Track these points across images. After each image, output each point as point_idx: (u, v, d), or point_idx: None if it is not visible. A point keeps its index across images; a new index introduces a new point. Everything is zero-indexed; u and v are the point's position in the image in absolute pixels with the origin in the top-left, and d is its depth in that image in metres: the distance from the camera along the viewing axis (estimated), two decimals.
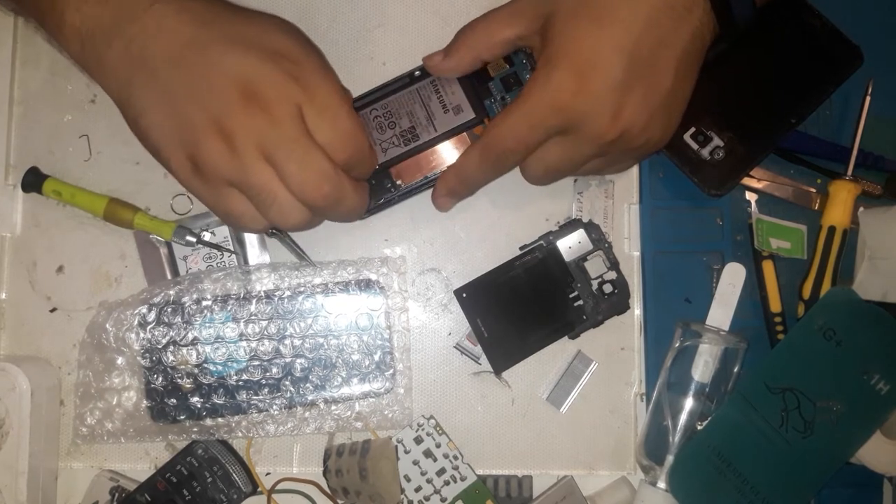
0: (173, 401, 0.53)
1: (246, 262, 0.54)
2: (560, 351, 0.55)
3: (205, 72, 0.42)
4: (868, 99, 0.55)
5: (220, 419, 0.53)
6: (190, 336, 0.53)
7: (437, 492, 0.53)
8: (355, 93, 0.53)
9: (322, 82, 0.44)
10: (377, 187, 0.52)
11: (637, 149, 0.47)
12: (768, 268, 0.56)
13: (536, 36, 0.47)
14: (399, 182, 0.53)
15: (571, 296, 0.54)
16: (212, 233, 0.54)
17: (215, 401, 0.53)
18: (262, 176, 0.43)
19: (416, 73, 0.53)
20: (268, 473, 0.55)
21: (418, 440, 0.53)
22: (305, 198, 0.44)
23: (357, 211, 0.48)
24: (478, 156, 0.48)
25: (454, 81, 0.52)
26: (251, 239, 0.55)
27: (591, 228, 0.54)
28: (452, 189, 0.51)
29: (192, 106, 0.43)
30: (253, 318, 0.53)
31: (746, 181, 0.56)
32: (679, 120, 0.48)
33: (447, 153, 0.52)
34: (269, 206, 0.44)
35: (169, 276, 0.54)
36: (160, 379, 0.53)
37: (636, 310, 0.56)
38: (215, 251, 0.54)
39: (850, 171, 0.55)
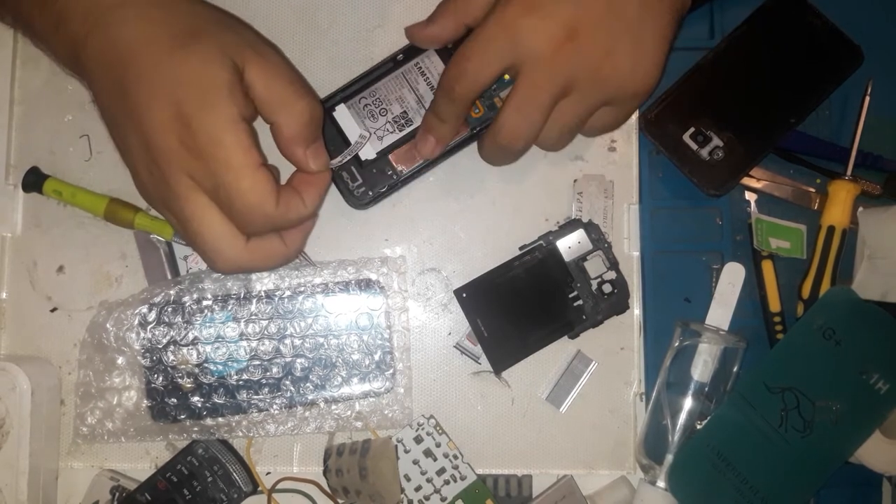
0: (174, 400, 0.53)
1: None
2: (560, 351, 0.55)
3: (124, 117, 0.43)
4: (867, 99, 0.55)
5: (220, 419, 0.53)
6: (190, 336, 0.53)
7: (436, 491, 0.53)
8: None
9: (217, 149, 0.42)
10: (378, 176, 0.53)
11: (607, 81, 0.46)
12: (768, 267, 0.56)
13: None
14: (400, 168, 0.53)
15: (571, 296, 0.54)
16: None
17: (216, 400, 0.53)
18: (175, 228, 0.47)
19: (399, 56, 0.53)
20: (268, 473, 0.55)
21: (418, 440, 0.53)
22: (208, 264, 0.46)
23: (289, 259, 0.48)
24: (440, 92, 0.48)
25: (438, 62, 0.53)
26: None
27: (590, 228, 0.55)
28: (427, 134, 0.51)
29: (126, 149, 0.45)
30: (253, 317, 0.53)
31: (746, 181, 0.56)
32: (657, 58, 0.47)
33: None
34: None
35: (169, 276, 0.54)
36: (161, 378, 0.53)
37: (636, 310, 0.56)
38: None
39: (849, 171, 0.55)
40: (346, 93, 0.53)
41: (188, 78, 0.42)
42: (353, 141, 0.52)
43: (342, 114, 0.53)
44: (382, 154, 0.52)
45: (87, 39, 0.43)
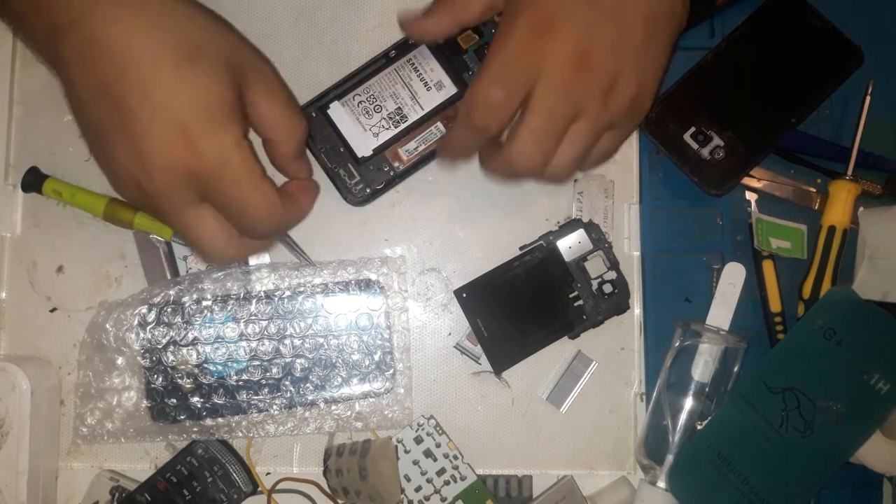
0: (173, 401, 0.53)
1: (246, 262, 0.54)
2: (560, 351, 0.55)
3: (108, 140, 0.42)
4: (868, 99, 0.55)
5: (220, 419, 0.53)
6: (190, 336, 0.53)
7: (437, 491, 0.53)
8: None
9: (226, 170, 0.42)
10: (375, 172, 0.53)
11: (614, 104, 0.45)
12: (768, 267, 0.56)
13: None
14: (396, 164, 0.53)
15: (571, 296, 0.54)
16: None
17: (215, 401, 0.53)
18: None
19: (392, 52, 0.53)
20: (268, 473, 0.55)
21: (418, 440, 0.53)
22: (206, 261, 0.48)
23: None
24: (462, 120, 0.47)
25: (431, 58, 0.53)
26: None
27: (590, 228, 0.54)
28: (448, 157, 0.52)
29: (104, 153, 0.43)
30: (253, 318, 0.53)
31: (746, 181, 0.56)
32: (656, 82, 0.47)
33: (438, 129, 0.53)
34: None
35: (169, 276, 0.54)
36: (160, 379, 0.53)
37: (636, 310, 0.56)
38: None
39: (850, 171, 0.55)
40: (340, 90, 0.53)
41: (195, 96, 0.40)
42: (347, 137, 0.52)
43: (336, 111, 0.53)
44: (378, 150, 0.53)
45: (69, 29, 0.40)
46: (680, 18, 0.47)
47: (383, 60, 0.53)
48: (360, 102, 0.53)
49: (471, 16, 0.49)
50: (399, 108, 0.53)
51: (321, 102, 0.53)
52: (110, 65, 0.40)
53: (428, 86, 0.53)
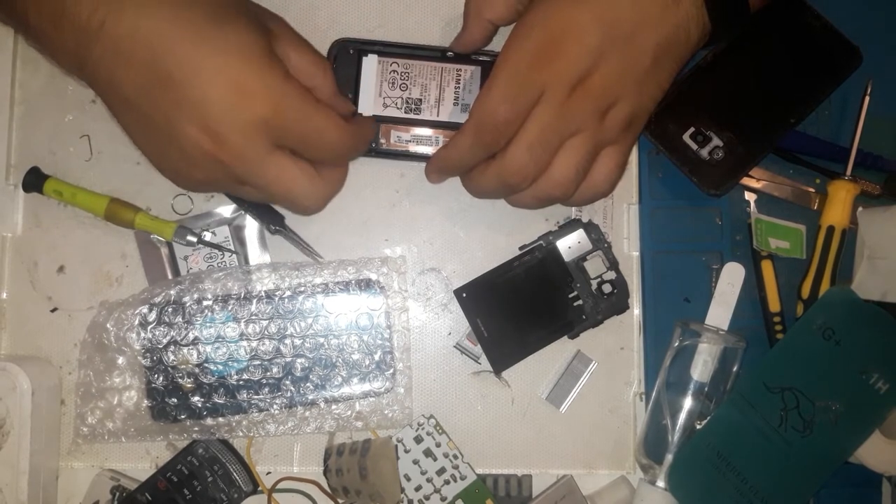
0: (174, 400, 0.53)
1: (247, 261, 0.55)
2: (559, 350, 0.55)
3: (172, 116, 0.42)
4: (867, 99, 0.55)
5: (220, 419, 0.53)
6: (191, 336, 0.53)
7: (436, 491, 0.53)
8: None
9: (296, 109, 0.44)
10: None
11: (610, 123, 0.46)
12: (767, 267, 0.56)
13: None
14: (382, 142, 0.54)
15: (571, 296, 0.54)
16: (212, 233, 0.54)
17: (216, 400, 0.53)
18: (253, 196, 0.47)
19: (450, 53, 0.54)
20: (268, 472, 0.55)
21: (418, 439, 0.53)
22: (295, 212, 0.49)
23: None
24: (470, 135, 0.47)
25: (476, 83, 0.54)
26: (252, 239, 0.55)
27: (590, 228, 0.55)
28: (444, 168, 0.51)
29: (169, 144, 0.43)
30: (253, 317, 0.53)
31: (745, 181, 0.56)
32: (655, 104, 0.47)
33: (437, 140, 0.53)
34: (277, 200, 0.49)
35: (170, 276, 0.54)
36: (161, 378, 0.53)
37: (635, 309, 0.56)
38: (216, 251, 0.54)
39: (849, 171, 0.55)
40: (385, 50, 0.54)
41: (238, 50, 0.42)
42: (361, 89, 0.53)
43: (370, 63, 0.53)
44: (377, 119, 0.53)
45: (100, 33, 0.41)
46: (694, 45, 0.47)
47: (438, 54, 0.54)
48: (394, 72, 0.53)
49: (498, 14, 0.50)
50: (420, 99, 0.53)
51: (363, 47, 0.53)
52: (150, 51, 0.41)
53: (457, 101, 0.54)
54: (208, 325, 0.53)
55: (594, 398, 0.55)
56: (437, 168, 0.52)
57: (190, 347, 0.53)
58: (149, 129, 0.44)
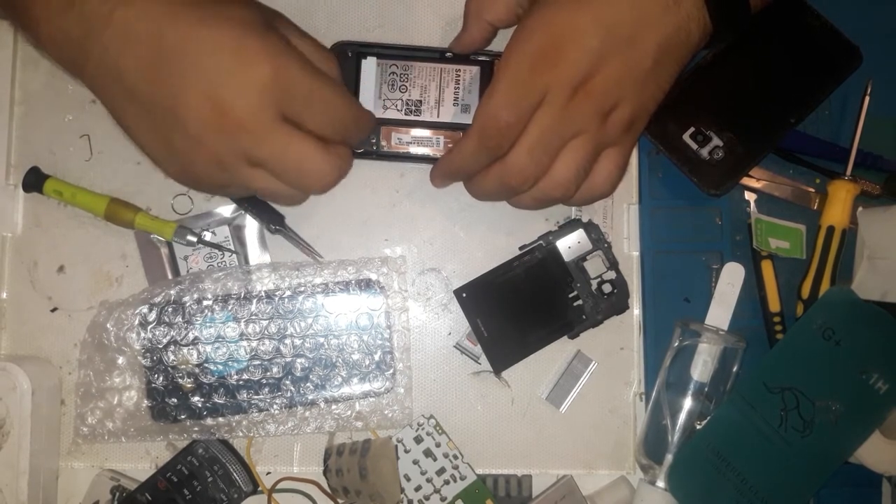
0: (174, 400, 0.53)
1: (247, 261, 0.55)
2: (559, 351, 0.55)
3: (177, 90, 0.42)
4: (867, 99, 0.55)
5: (220, 419, 0.53)
6: (191, 336, 0.53)
7: (436, 491, 0.53)
8: None
9: (298, 71, 0.44)
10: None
11: (611, 127, 0.46)
12: (767, 267, 0.56)
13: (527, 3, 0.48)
14: (383, 143, 0.54)
15: (571, 296, 0.54)
16: (212, 233, 0.54)
17: (216, 400, 0.53)
18: (259, 182, 0.46)
19: (448, 54, 0.54)
20: (268, 473, 0.55)
21: (418, 440, 0.53)
22: (307, 190, 0.48)
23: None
24: (474, 141, 0.47)
25: (476, 83, 0.53)
26: (252, 239, 0.55)
27: (590, 228, 0.55)
28: (449, 173, 0.51)
29: (174, 129, 0.43)
30: (253, 317, 0.53)
31: (745, 181, 0.56)
32: (656, 105, 0.47)
33: (437, 141, 0.53)
34: (276, 198, 0.49)
35: (170, 276, 0.54)
36: (161, 378, 0.53)
37: (635, 309, 0.56)
38: (216, 251, 0.54)
39: (848, 171, 0.55)
40: (383, 51, 0.54)
41: (241, 23, 0.43)
42: (360, 91, 0.53)
43: (369, 66, 0.53)
44: (377, 121, 0.53)
45: (109, 20, 0.41)
46: (695, 46, 0.47)
47: (437, 55, 0.54)
48: (393, 73, 0.53)
49: (497, 15, 0.50)
50: (420, 101, 0.53)
51: (361, 49, 0.53)
52: (157, 29, 0.42)
53: (457, 102, 0.53)
54: (208, 325, 0.53)
55: (594, 398, 0.55)
56: (442, 173, 0.52)
57: (190, 347, 0.53)
58: (151, 118, 0.44)
